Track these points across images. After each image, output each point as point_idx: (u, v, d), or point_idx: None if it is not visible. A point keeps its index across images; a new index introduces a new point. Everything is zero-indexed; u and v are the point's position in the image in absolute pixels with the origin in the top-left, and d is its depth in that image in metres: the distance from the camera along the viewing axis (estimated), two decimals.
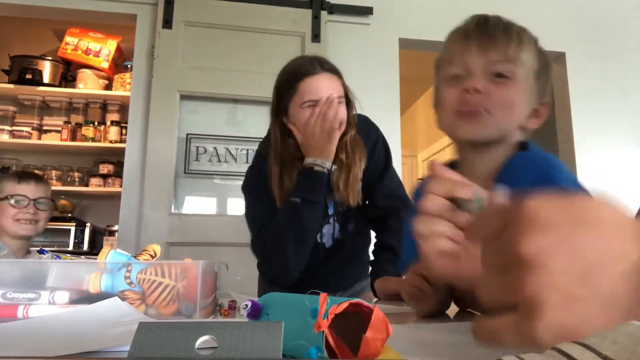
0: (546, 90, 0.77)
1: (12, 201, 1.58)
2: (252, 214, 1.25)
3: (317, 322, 0.32)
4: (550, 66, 0.79)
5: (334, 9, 2.52)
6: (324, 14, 2.48)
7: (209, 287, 0.68)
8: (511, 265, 0.29)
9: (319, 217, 1.20)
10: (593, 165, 2.67)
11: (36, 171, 3.15)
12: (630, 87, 2.80)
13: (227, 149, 2.38)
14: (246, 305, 0.41)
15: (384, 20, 2.63)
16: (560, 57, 2.78)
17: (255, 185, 1.26)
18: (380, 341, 0.33)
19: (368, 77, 2.54)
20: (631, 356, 0.22)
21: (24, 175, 1.67)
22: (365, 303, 0.36)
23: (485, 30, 0.74)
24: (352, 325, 0.36)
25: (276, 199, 1.19)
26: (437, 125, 0.79)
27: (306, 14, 2.46)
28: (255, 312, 0.41)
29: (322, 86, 1.18)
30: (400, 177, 2.34)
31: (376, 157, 1.31)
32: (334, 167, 1.20)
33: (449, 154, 4.52)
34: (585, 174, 2.66)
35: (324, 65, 1.21)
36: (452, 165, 0.80)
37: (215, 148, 2.36)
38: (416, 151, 5.40)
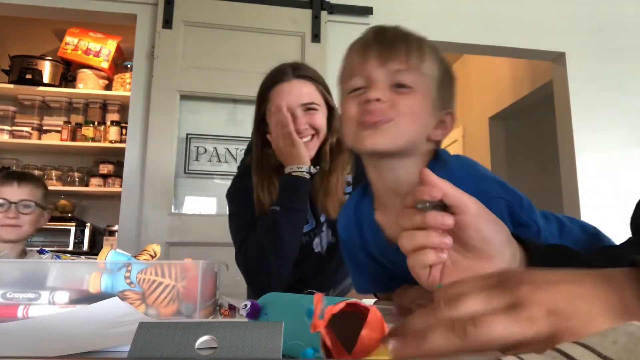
0: (450, 100, 0.75)
1: None
2: (234, 228, 1.23)
3: (313, 323, 0.32)
4: (452, 76, 0.77)
5: (334, 9, 2.52)
6: (324, 14, 2.48)
7: (209, 287, 0.68)
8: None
9: (299, 224, 1.16)
10: (593, 166, 2.67)
11: (36, 171, 3.16)
12: (630, 87, 2.80)
13: (227, 149, 2.38)
14: (245, 306, 0.41)
15: (384, 20, 2.60)
16: (560, 57, 2.78)
17: (237, 196, 1.25)
18: (376, 340, 0.33)
19: None
20: (631, 356, 0.22)
21: (7, 176, 1.55)
22: (362, 303, 0.36)
23: (384, 41, 0.72)
24: (351, 324, 0.36)
25: (256, 210, 1.18)
26: (344, 140, 0.76)
27: (306, 14, 2.46)
28: (255, 312, 0.41)
29: (291, 93, 1.17)
30: None
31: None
32: (314, 169, 1.18)
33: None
34: (585, 174, 2.66)
35: (296, 72, 1.19)
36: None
37: (215, 148, 2.36)
38: None
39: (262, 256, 1.11)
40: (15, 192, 1.49)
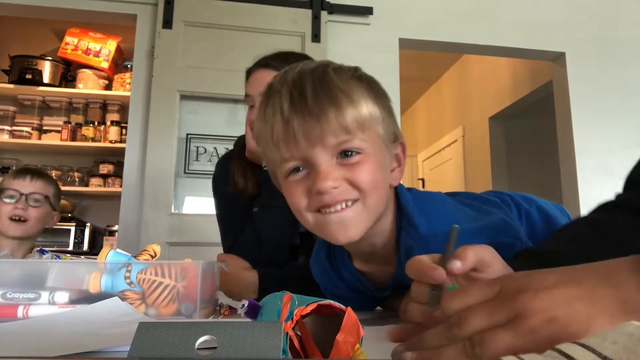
0: (396, 129, 0.66)
1: (4, 197, 1.48)
2: (221, 228, 1.25)
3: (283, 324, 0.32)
4: (387, 96, 0.67)
5: (334, 9, 2.53)
6: (324, 14, 2.48)
7: (209, 287, 0.68)
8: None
9: (279, 220, 1.10)
10: (593, 166, 2.67)
11: None
12: (630, 87, 2.80)
13: (227, 149, 2.37)
14: (243, 305, 0.41)
15: (384, 20, 2.63)
16: (560, 57, 2.78)
17: (218, 185, 1.27)
18: (351, 344, 0.33)
19: None
20: (631, 356, 0.22)
21: (21, 170, 1.56)
22: (338, 305, 0.36)
23: (306, 110, 0.58)
24: (331, 326, 0.36)
25: (231, 188, 1.19)
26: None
27: (306, 14, 2.46)
28: (253, 311, 0.41)
29: (255, 83, 1.13)
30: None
31: None
32: None
33: (449, 154, 4.53)
34: (585, 174, 2.66)
35: (262, 61, 1.16)
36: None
37: (215, 148, 2.36)
38: (416, 151, 5.40)
39: (251, 259, 1.12)
40: (27, 184, 1.50)
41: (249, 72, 1.19)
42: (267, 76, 1.13)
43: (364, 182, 0.60)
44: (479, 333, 0.33)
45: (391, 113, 0.67)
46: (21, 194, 1.49)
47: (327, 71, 0.62)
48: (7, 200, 1.47)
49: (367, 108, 0.61)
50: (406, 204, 0.68)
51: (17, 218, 1.47)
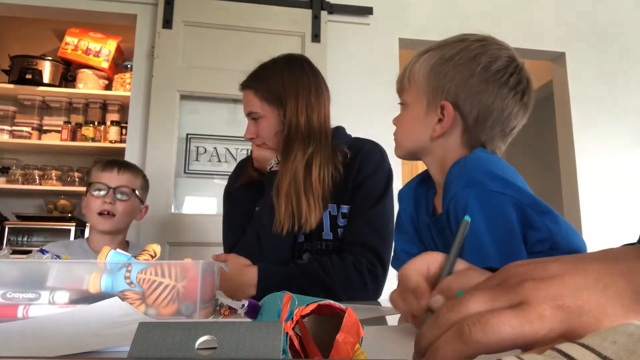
0: (438, 93, 0.81)
1: (92, 190, 1.44)
2: (225, 230, 1.28)
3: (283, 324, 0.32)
4: (446, 64, 0.81)
5: (334, 9, 2.53)
6: (324, 14, 2.48)
7: (209, 287, 0.68)
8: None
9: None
10: (593, 166, 2.67)
11: (36, 171, 3.16)
12: (630, 87, 2.80)
13: (227, 149, 2.38)
14: (243, 305, 0.41)
15: (384, 20, 2.63)
16: (560, 57, 2.78)
17: (230, 195, 1.31)
18: (351, 344, 0.33)
19: (368, 77, 2.54)
20: (631, 356, 0.22)
21: (108, 163, 1.51)
22: (338, 305, 0.35)
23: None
24: (332, 326, 0.36)
25: (243, 180, 1.28)
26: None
27: (306, 14, 2.46)
28: (253, 311, 0.41)
29: (243, 104, 1.26)
30: (400, 178, 2.30)
31: (361, 185, 1.17)
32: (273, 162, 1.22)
33: None
34: (586, 174, 2.66)
35: (244, 81, 1.26)
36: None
37: (215, 148, 2.36)
38: None
39: (252, 257, 1.12)
40: (114, 177, 1.46)
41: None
42: (245, 97, 1.24)
43: (399, 121, 0.90)
44: (477, 315, 0.30)
45: (439, 79, 0.82)
46: (109, 188, 1.45)
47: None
48: (96, 194, 1.44)
49: (416, 69, 0.85)
50: (476, 151, 0.78)
51: (105, 212, 1.44)
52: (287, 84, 1.20)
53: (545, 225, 0.67)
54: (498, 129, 0.81)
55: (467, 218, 0.48)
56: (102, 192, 1.44)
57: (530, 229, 0.67)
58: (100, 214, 1.44)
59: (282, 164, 1.16)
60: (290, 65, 1.24)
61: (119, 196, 1.45)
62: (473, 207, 0.68)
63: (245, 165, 1.33)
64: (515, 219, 0.67)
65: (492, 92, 0.78)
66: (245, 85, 1.24)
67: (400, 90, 0.87)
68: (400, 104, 0.88)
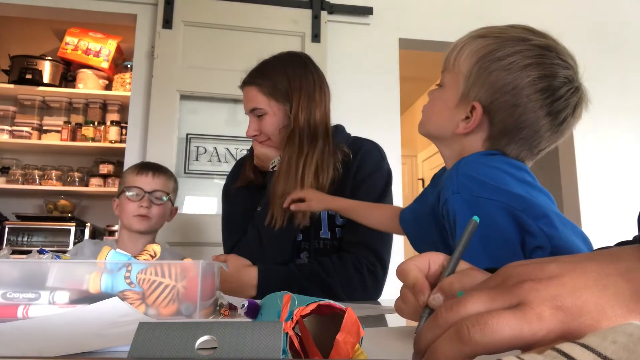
0: (474, 90, 0.75)
1: (128, 194, 1.48)
2: (225, 230, 1.28)
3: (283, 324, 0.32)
4: (494, 63, 0.74)
5: (334, 9, 2.52)
6: (324, 14, 2.48)
7: (209, 287, 0.68)
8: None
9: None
10: (593, 165, 2.67)
11: (36, 171, 3.16)
12: (630, 86, 2.80)
13: (227, 149, 2.38)
14: (243, 305, 0.41)
15: (384, 20, 2.63)
16: None
17: (230, 192, 1.30)
18: (351, 344, 0.33)
19: (368, 77, 2.54)
20: (631, 356, 0.22)
21: (143, 167, 1.54)
22: (338, 305, 0.35)
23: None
24: (332, 326, 0.36)
25: (240, 181, 1.27)
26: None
27: (306, 14, 2.46)
28: (253, 311, 0.41)
29: (244, 100, 1.24)
30: (400, 178, 2.30)
31: (360, 184, 1.18)
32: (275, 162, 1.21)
33: None
34: (586, 173, 2.66)
35: (246, 78, 1.24)
36: None
37: (215, 148, 2.36)
38: (416, 151, 5.40)
39: (253, 257, 1.12)
40: (149, 182, 1.49)
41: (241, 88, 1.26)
42: (248, 93, 1.21)
43: (429, 103, 0.85)
44: (476, 316, 0.29)
45: (476, 80, 0.77)
46: (145, 192, 1.48)
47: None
48: (132, 197, 1.47)
49: (461, 61, 0.78)
50: (470, 157, 0.76)
51: (141, 217, 1.47)
52: (291, 78, 1.19)
53: (540, 229, 0.65)
54: (524, 148, 0.76)
55: (476, 218, 0.46)
56: (138, 197, 1.47)
57: (527, 234, 0.65)
58: (135, 215, 1.47)
59: (283, 159, 1.15)
60: (293, 60, 1.24)
61: (154, 200, 1.49)
62: (462, 213, 0.67)
63: (243, 165, 1.32)
64: (506, 224, 0.65)
65: (529, 111, 0.72)
66: (248, 82, 1.22)
67: (444, 69, 0.81)
68: (438, 84, 0.83)
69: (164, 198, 1.50)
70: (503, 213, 0.65)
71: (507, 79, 0.72)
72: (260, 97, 1.19)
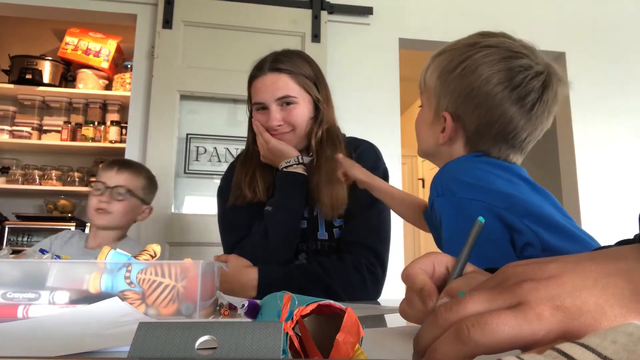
0: (442, 102, 0.80)
1: (93, 188, 1.48)
2: (223, 229, 1.25)
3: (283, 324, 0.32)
4: (449, 74, 0.80)
5: (334, 9, 2.53)
6: (324, 14, 2.48)
7: (209, 287, 0.68)
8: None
9: (289, 222, 1.13)
10: (593, 165, 2.67)
11: (36, 171, 3.16)
12: (630, 86, 2.80)
13: (227, 149, 2.38)
14: (243, 305, 0.41)
15: (384, 20, 2.63)
16: (560, 57, 2.78)
17: (226, 194, 1.24)
18: (351, 344, 0.33)
19: (368, 77, 2.54)
20: (631, 356, 0.22)
21: (112, 162, 1.54)
22: (338, 305, 0.35)
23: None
24: (332, 326, 0.36)
25: (239, 200, 1.18)
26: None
27: (306, 14, 2.46)
28: (253, 311, 0.41)
29: (266, 88, 1.15)
30: (400, 178, 2.30)
31: (357, 184, 1.17)
32: (307, 158, 1.16)
33: None
34: (586, 173, 2.66)
35: (272, 65, 1.16)
36: None
37: (215, 148, 2.36)
38: (416, 151, 5.39)
39: (255, 257, 1.11)
40: (112, 176, 1.48)
41: (255, 77, 1.19)
42: (278, 81, 1.14)
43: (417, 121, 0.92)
44: (476, 316, 0.29)
45: (445, 94, 0.83)
46: (106, 187, 1.47)
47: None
48: (95, 192, 1.47)
49: (429, 76, 0.84)
50: (461, 157, 0.80)
51: (101, 211, 1.46)
52: (317, 71, 1.20)
53: (527, 227, 0.66)
54: (503, 142, 0.79)
55: (481, 219, 0.46)
56: (99, 192, 1.47)
57: (515, 232, 0.66)
58: (97, 209, 1.46)
59: (321, 155, 1.15)
60: (307, 56, 1.26)
61: (115, 196, 1.47)
62: (447, 215, 0.70)
63: (240, 184, 1.23)
64: (491, 224, 0.65)
65: (494, 106, 0.75)
66: (279, 69, 1.16)
67: (420, 91, 0.89)
68: (420, 106, 0.90)
69: (123, 192, 1.47)
70: (487, 213, 0.66)
71: (463, 84, 0.77)
72: (293, 85, 1.15)
